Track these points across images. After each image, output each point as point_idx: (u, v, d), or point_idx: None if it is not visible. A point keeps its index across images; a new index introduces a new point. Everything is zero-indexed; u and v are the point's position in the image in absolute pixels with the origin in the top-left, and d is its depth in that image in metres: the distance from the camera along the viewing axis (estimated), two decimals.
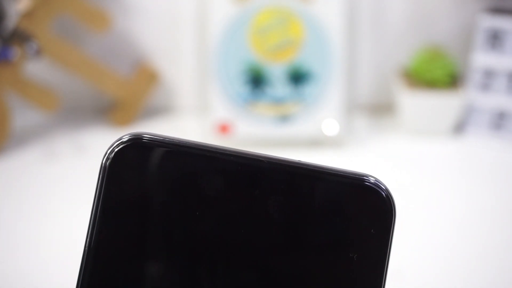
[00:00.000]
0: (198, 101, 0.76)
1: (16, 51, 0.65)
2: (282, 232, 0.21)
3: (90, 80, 0.71)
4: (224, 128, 0.68)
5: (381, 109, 0.77)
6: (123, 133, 0.21)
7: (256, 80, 0.68)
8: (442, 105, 0.69)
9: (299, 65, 0.68)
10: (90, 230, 0.21)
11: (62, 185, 0.61)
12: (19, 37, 0.64)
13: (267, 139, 0.68)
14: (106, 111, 0.75)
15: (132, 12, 0.73)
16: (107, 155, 0.21)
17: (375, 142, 0.70)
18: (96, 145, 0.69)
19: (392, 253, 0.21)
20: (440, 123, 0.70)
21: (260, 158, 0.21)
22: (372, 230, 0.21)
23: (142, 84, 0.73)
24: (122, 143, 0.21)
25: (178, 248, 0.21)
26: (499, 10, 0.70)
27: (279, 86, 0.68)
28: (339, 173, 0.21)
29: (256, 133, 0.68)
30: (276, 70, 0.68)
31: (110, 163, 0.21)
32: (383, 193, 0.21)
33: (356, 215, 0.21)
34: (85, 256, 0.21)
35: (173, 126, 0.74)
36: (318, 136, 0.68)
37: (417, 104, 0.69)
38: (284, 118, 0.68)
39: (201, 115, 0.72)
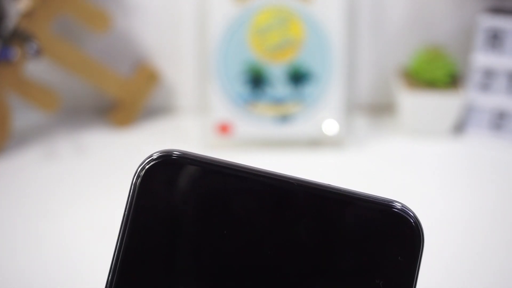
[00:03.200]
0: (198, 101, 0.76)
1: (16, 51, 0.65)
2: (309, 255, 0.21)
3: (90, 80, 0.71)
4: (224, 128, 0.68)
5: (381, 109, 0.77)
6: (152, 153, 0.21)
7: (256, 80, 0.68)
8: (442, 105, 0.69)
9: (299, 65, 0.68)
10: (118, 246, 0.21)
11: (62, 185, 0.61)
12: (19, 37, 0.64)
13: (267, 139, 0.68)
14: (106, 111, 0.75)
15: (132, 12, 0.73)
16: (137, 172, 0.21)
17: (375, 142, 0.70)
18: (96, 145, 0.69)
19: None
20: (440, 123, 0.70)
21: (291, 181, 0.21)
22: (399, 257, 0.21)
23: (142, 84, 0.73)
24: (152, 160, 0.21)
25: (205, 266, 0.21)
26: (499, 10, 0.70)
27: (279, 86, 0.68)
28: (368, 198, 0.21)
29: (256, 133, 0.68)
30: (276, 70, 0.68)
31: (140, 181, 0.21)
32: (412, 220, 0.21)
33: (384, 242, 0.21)
34: (112, 271, 0.21)
35: (173, 126, 0.74)
36: (318, 136, 0.68)
37: (417, 104, 0.69)
38: (284, 118, 0.68)
39: (201, 115, 0.72)
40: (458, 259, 0.50)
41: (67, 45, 0.69)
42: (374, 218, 0.21)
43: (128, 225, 0.21)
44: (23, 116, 0.72)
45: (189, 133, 0.71)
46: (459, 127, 0.71)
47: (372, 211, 0.21)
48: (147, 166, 0.21)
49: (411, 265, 0.21)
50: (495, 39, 0.68)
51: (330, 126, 0.68)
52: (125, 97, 0.72)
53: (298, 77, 0.68)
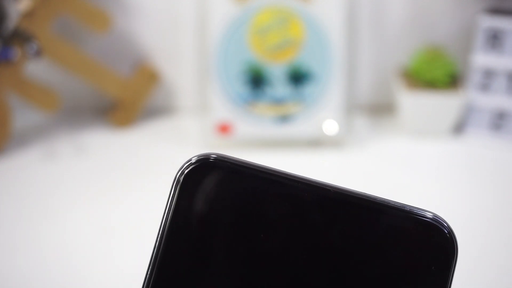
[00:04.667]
0: (198, 101, 0.76)
1: (16, 51, 0.65)
2: (342, 262, 0.21)
3: (90, 80, 0.71)
4: (224, 128, 0.68)
5: (381, 109, 0.77)
6: (191, 157, 0.21)
7: (256, 80, 0.68)
8: (442, 105, 0.69)
9: (299, 65, 0.68)
10: (156, 248, 0.21)
11: (62, 185, 0.61)
12: (20, 37, 0.64)
13: (267, 139, 0.68)
14: (106, 111, 0.75)
15: (132, 12, 0.73)
16: (177, 176, 0.21)
17: (375, 142, 0.70)
18: (96, 145, 0.69)
19: None
20: (440, 123, 0.70)
21: (327, 187, 0.21)
22: (432, 268, 0.21)
23: (142, 84, 0.73)
24: (191, 164, 0.21)
25: (240, 270, 0.21)
26: (499, 10, 0.70)
27: (279, 86, 0.68)
28: (402, 207, 0.22)
29: (256, 133, 0.68)
30: (276, 70, 0.68)
31: (180, 186, 0.21)
32: (446, 231, 0.21)
33: (418, 252, 0.21)
34: (149, 271, 0.21)
35: (173, 126, 0.74)
36: (318, 136, 0.68)
37: (417, 104, 0.69)
38: (284, 118, 0.68)
39: (201, 115, 0.72)
40: (458, 259, 0.50)
41: (67, 45, 0.69)
42: (409, 227, 0.21)
43: (167, 228, 0.21)
44: (23, 116, 0.72)
45: (189, 133, 0.71)
46: (459, 127, 0.71)
47: (405, 219, 0.21)
48: (186, 171, 0.21)
49: (444, 276, 0.21)
50: (495, 39, 0.68)
51: (330, 126, 0.68)
52: (125, 97, 0.72)
53: (298, 77, 0.68)
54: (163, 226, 0.21)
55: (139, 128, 0.73)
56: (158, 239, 0.21)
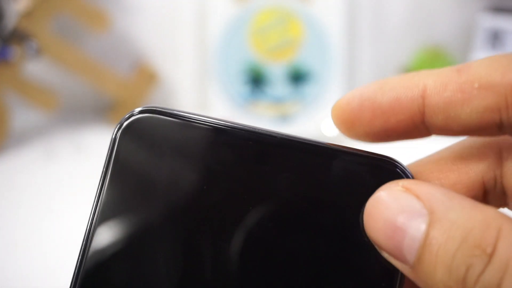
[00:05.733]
0: (198, 101, 0.75)
1: (15, 51, 0.65)
2: (291, 211, 0.20)
3: (90, 80, 0.71)
4: None
5: None
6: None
7: (256, 80, 0.68)
8: None
9: (299, 65, 0.68)
10: (96, 198, 0.21)
11: (62, 185, 0.61)
12: (19, 37, 0.64)
13: None
14: (106, 111, 0.75)
15: (132, 12, 0.73)
16: (117, 126, 0.21)
17: (374, 142, 0.70)
18: (96, 145, 0.68)
19: None
20: None
21: (273, 134, 0.21)
22: None
23: (142, 84, 0.73)
24: (133, 115, 0.21)
25: (182, 219, 0.20)
26: (499, 10, 0.70)
27: (279, 86, 0.68)
28: (355, 152, 0.21)
29: None
30: (276, 70, 0.68)
31: (120, 134, 0.21)
32: (399, 170, 0.21)
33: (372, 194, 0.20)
34: (90, 220, 0.21)
35: None
36: (318, 136, 0.68)
37: None
38: (284, 118, 0.68)
39: None
40: None
41: (67, 45, 0.69)
42: (362, 173, 0.21)
43: (106, 178, 0.21)
44: (23, 116, 0.72)
45: None
46: None
47: (360, 165, 0.21)
48: (128, 121, 0.21)
49: None
50: (495, 39, 0.68)
51: (330, 126, 0.68)
52: (124, 97, 0.72)
53: (298, 77, 0.68)
54: (103, 177, 0.21)
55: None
56: (98, 190, 0.21)
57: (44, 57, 0.67)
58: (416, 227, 0.18)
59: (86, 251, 0.21)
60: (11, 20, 0.64)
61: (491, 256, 0.16)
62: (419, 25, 0.74)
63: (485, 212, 0.17)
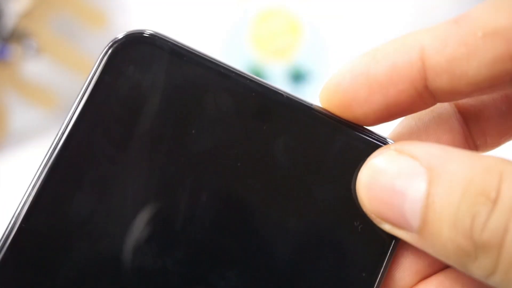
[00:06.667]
0: None
1: (15, 50, 0.64)
2: (281, 176, 0.18)
3: None
4: None
5: None
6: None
7: None
8: None
9: (299, 65, 0.68)
10: (69, 117, 0.18)
11: None
12: (18, 36, 0.64)
13: None
14: None
15: (132, 12, 0.73)
16: (106, 47, 0.19)
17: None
18: None
19: None
20: None
21: (279, 92, 0.19)
22: None
23: None
24: (124, 37, 0.19)
25: (162, 160, 0.18)
26: None
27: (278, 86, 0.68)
28: (362, 130, 0.19)
29: None
30: (276, 70, 0.68)
31: (108, 57, 0.19)
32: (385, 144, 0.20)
33: None
34: (56, 141, 0.18)
35: None
36: None
37: None
38: None
39: None
40: None
41: (67, 44, 0.69)
42: (364, 153, 0.19)
43: (84, 101, 0.18)
44: (22, 115, 0.72)
45: None
46: None
47: (363, 143, 0.19)
48: (116, 44, 0.19)
49: None
50: None
51: None
52: None
53: (298, 77, 0.68)
54: (79, 100, 0.18)
55: None
56: (70, 113, 0.18)
57: (43, 57, 0.67)
58: (416, 187, 0.16)
59: (45, 176, 0.19)
60: (11, 19, 0.64)
61: (495, 201, 0.15)
62: (419, 25, 0.74)
63: (484, 159, 0.16)
